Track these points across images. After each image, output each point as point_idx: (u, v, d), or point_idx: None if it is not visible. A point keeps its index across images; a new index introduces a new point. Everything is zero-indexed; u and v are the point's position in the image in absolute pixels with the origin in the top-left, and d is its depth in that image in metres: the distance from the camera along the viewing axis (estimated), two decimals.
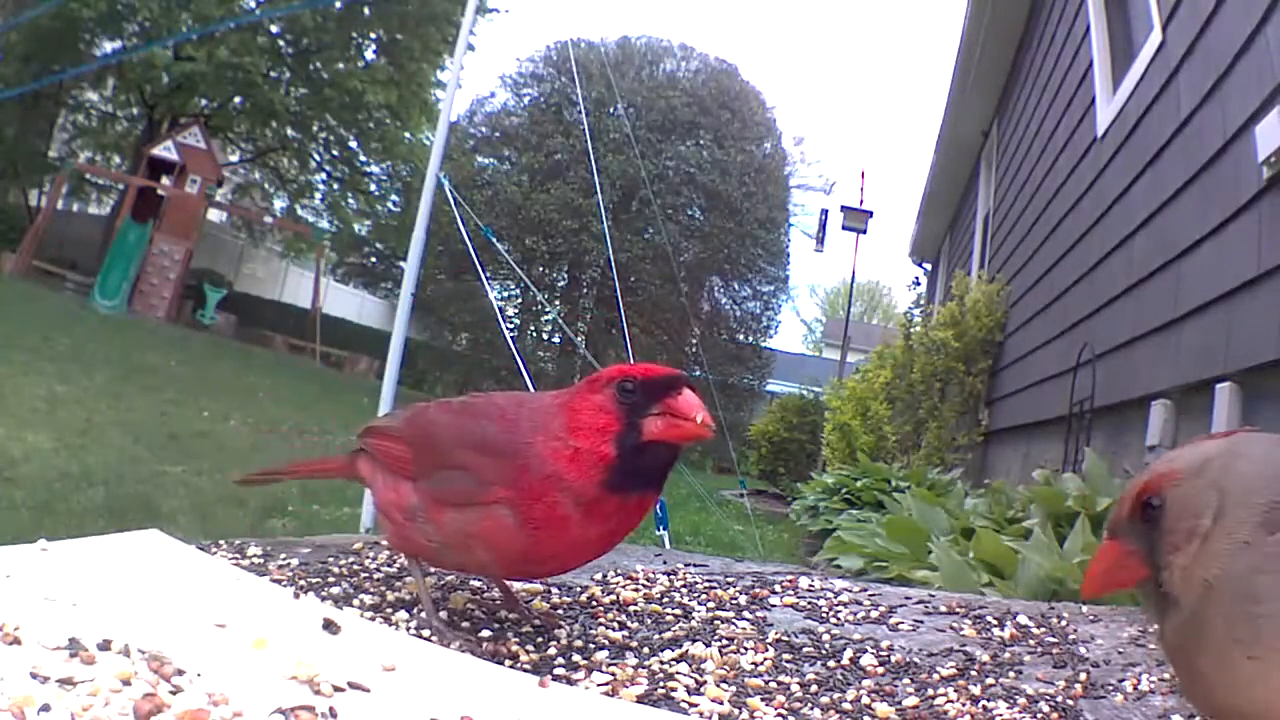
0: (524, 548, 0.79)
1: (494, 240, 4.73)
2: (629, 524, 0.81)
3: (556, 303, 16.95)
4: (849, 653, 0.86)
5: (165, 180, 14.94)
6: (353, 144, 19.32)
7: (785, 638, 0.91)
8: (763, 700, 0.73)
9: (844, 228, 17.10)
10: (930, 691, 0.78)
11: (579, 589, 1.02)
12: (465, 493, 0.79)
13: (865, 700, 0.76)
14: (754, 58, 72.71)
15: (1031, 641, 0.95)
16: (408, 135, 18.93)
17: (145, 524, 0.99)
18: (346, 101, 16.95)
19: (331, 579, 0.97)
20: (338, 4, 16.20)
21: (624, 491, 0.77)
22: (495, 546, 0.80)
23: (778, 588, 1.07)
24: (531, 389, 4.20)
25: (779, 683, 0.78)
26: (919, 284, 11.27)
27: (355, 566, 1.04)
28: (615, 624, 0.91)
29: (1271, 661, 0.53)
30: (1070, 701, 0.77)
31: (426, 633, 0.84)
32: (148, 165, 15.06)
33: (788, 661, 0.84)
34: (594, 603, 0.98)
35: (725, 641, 0.88)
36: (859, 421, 6.78)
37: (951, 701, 0.76)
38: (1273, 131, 2.18)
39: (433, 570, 0.99)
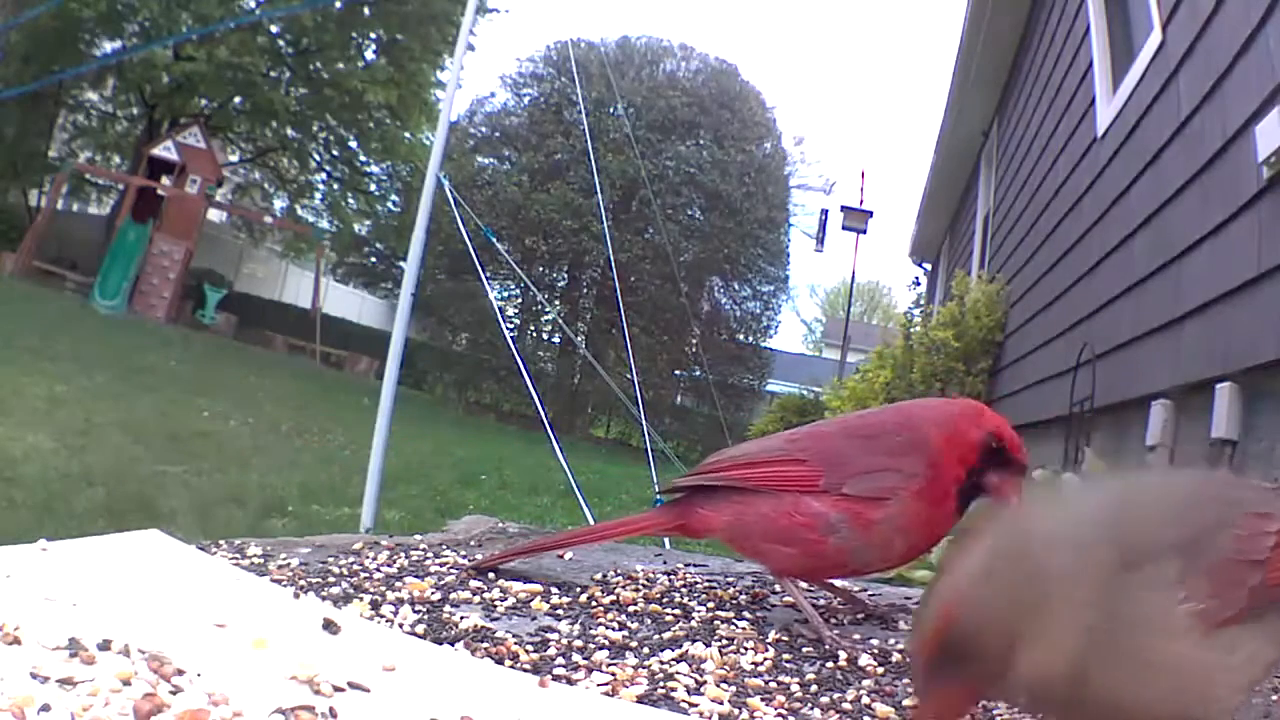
0: (928, 528, 0.93)
1: (494, 240, 4.73)
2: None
3: (556, 303, 16.94)
4: (849, 653, 0.86)
5: (165, 180, 14.94)
6: (353, 144, 19.32)
7: (785, 638, 0.91)
8: (763, 700, 0.73)
9: (844, 228, 17.12)
10: None
11: (579, 589, 1.02)
12: (890, 488, 0.91)
13: (865, 700, 0.76)
14: (754, 58, 72.79)
15: None
16: (408, 135, 18.93)
17: (145, 524, 0.99)
18: (346, 101, 16.96)
19: (331, 579, 0.97)
20: (338, 4, 16.19)
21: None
22: (912, 535, 0.92)
23: (778, 587, 1.07)
24: (532, 389, 4.20)
25: (779, 683, 0.78)
26: (919, 284, 11.27)
27: (355, 566, 1.04)
28: (615, 624, 0.91)
29: (1150, 675, 0.56)
30: None
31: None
32: (148, 165, 15.06)
33: (788, 661, 0.84)
34: (594, 603, 0.98)
35: (725, 641, 0.88)
36: None
37: None
38: (1273, 131, 2.18)
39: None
